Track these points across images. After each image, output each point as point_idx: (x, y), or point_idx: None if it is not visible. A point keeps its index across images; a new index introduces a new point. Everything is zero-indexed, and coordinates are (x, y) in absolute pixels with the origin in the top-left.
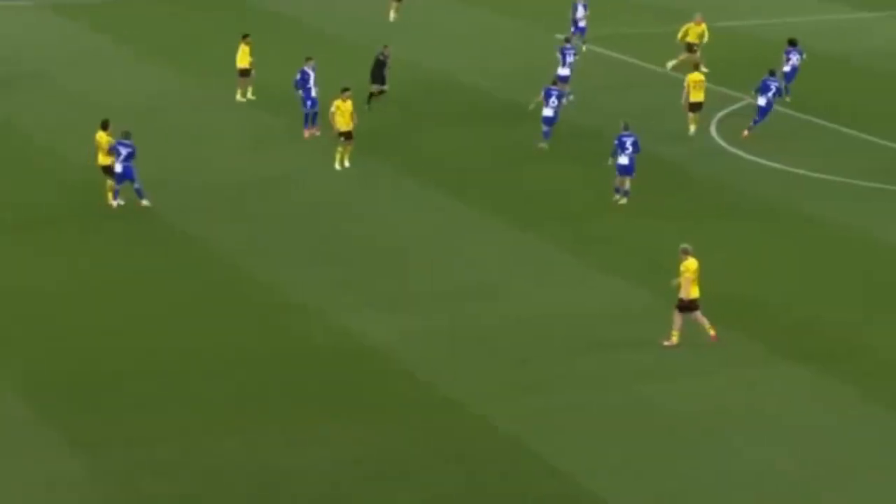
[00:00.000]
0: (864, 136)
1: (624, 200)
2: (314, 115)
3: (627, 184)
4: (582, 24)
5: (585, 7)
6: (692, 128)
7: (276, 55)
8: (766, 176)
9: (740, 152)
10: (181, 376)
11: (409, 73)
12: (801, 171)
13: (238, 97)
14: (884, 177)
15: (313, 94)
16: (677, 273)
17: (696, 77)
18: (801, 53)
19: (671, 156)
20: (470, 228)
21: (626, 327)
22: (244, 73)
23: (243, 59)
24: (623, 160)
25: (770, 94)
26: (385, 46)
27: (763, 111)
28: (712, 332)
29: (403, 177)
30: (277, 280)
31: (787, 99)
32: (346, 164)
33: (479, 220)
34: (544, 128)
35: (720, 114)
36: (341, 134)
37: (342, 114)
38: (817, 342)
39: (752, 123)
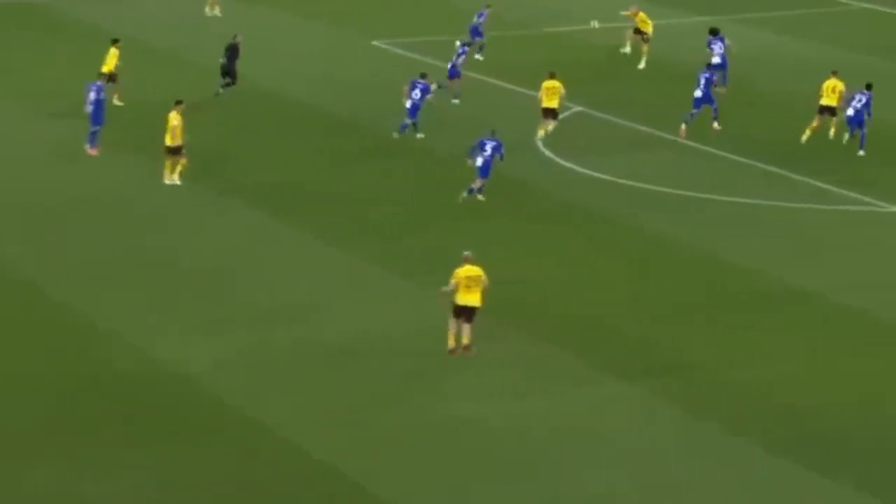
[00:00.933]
0: (694, 144)
1: (480, 196)
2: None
3: (478, 183)
4: (481, 29)
5: (486, 14)
6: (540, 133)
7: (88, 67)
8: (595, 187)
9: (568, 163)
10: None
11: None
12: (632, 183)
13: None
14: (716, 187)
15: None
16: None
17: (549, 84)
18: (723, 41)
19: (497, 166)
20: (285, 247)
21: (447, 345)
22: (112, 78)
23: (110, 63)
24: (478, 161)
25: (702, 85)
26: (235, 35)
27: (699, 101)
28: (463, 347)
29: (215, 193)
30: (79, 303)
31: (723, 90)
32: (177, 179)
33: (295, 238)
34: (406, 120)
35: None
36: (171, 150)
37: (178, 127)
38: (649, 359)
39: (709, 115)
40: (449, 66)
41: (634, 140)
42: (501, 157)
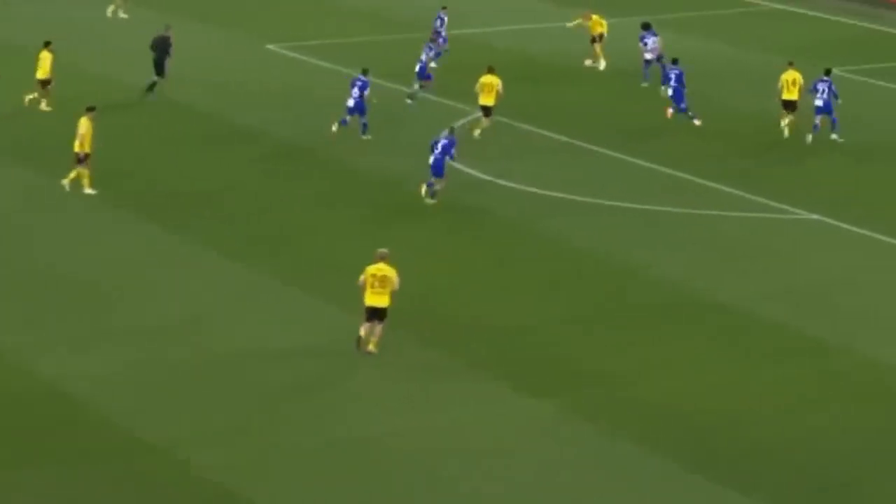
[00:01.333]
0: (603, 150)
1: (432, 200)
2: None
3: (436, 185)
4: (443, 33)
5: (443, 17)
6: (476, 132)
7: None
8: (501, 194)
9: (469, 170)
10: None
11: (111, 89)
12: (536, 190)
13: (43, 106)
14: (626, 194)
15: None
16: None
17: (485, 79)
18: (656, 35)
19: (399, 172)
20: (177, 258)
21: (342, 361)
22: (46, 83)
23: (45, 67)
24: (430, 159)
25: (671, 81)
26: (168, 27)
27: (677, 98)
28: (370, 347)
29: (99, 202)
30: None
31: (645, 84)
32: (89, 189)
33: (187, 249)
34: (345, 116)
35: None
36: (79, 158)
37: (87, 134)
38: (557, 372)
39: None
40: (418, 66)
41: (541, 146)
42: (451, 157)
